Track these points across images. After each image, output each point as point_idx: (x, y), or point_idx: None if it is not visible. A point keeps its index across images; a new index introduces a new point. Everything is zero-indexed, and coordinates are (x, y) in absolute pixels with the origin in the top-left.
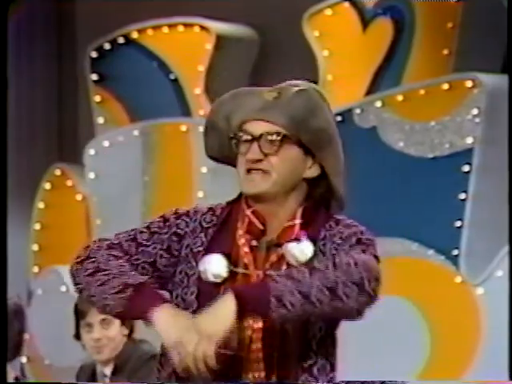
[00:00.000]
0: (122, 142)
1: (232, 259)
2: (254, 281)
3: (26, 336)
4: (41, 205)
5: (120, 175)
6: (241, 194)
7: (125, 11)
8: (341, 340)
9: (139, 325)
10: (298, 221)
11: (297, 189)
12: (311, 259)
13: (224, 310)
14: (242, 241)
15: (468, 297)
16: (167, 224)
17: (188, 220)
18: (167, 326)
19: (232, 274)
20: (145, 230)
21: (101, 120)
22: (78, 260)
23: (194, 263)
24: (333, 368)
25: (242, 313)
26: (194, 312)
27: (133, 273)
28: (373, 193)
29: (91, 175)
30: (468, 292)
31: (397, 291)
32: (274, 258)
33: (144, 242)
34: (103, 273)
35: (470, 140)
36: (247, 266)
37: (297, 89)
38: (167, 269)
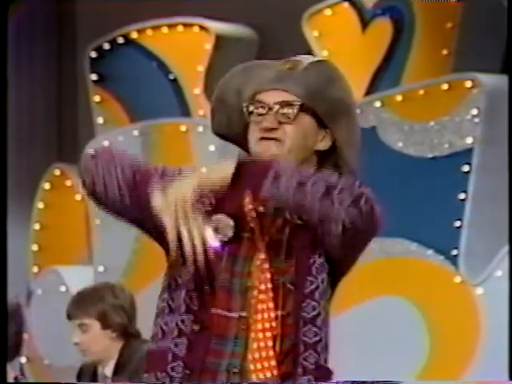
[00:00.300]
0: (122, 142)
1: (237, 222)
2: (259, 244)
3: (25, 336)
4: (40, 205)
5: None
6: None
7: (124, 11)
8: (340, 340)
9: (141, 325)
10: None
11: (307, 161)
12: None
13: (221, 166)
14: (249, 206)
15: (467, 297)
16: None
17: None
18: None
19: (237, 237)
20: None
21: (100, 120)
22: None
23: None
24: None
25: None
26: (199, 262)
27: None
28: (372, 193)
29: None
30: (467, 292)
31: (396, 291)
32: (279, 222)
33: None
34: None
35: (469, 140)
36: (254, 230)
37: (313, 59)
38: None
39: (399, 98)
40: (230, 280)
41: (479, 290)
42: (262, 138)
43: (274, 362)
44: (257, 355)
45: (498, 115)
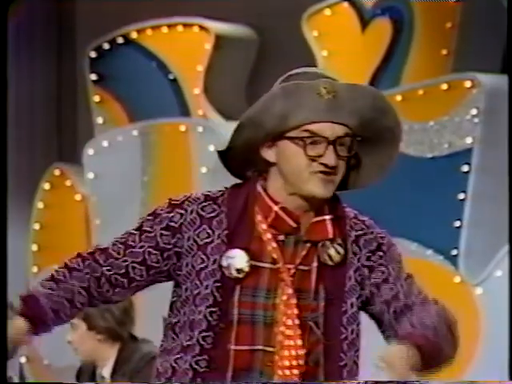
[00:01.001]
0: (121, 142)
1: (253, 253)
2: (285, 275)
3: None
4: (40, 205)
5: (119, 175)
6: (244, 184)
7: (124, 11)
8: None
9: (141, 325)
10: (327, 216)
11: None
12: (344, 259)
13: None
14: (267, 235)
15: (467, 297)
16: (157, 220)
17: (182, 212)
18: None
19: (254, 269)
20: (134, 232)
21: (100, 120)
22: None
23: (203, 256)
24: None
25: (251, 211)
26: (210, 307)
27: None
28: (371, 193)
29: (90, 175)
30: (467, 292)
31: None
32: (303, 252)
33: (132, 244)
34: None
35: (469, 140)
36: (276, 260)
37: (354, 85)
38: (161, 264)
39: (399, 97)
40: (252, 313)
41: (479, 290)
42: (321, 172)
43: None
44: None
45: (497, 115)
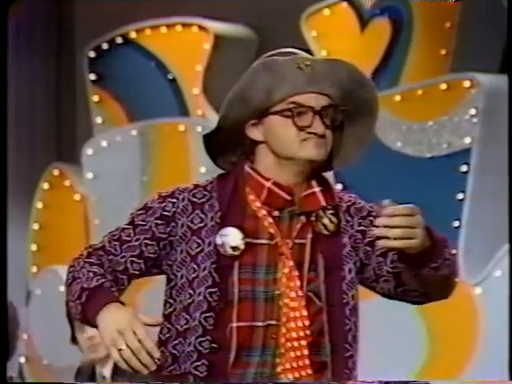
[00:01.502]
0: (120, 142)
1: (249, 231)
2: (284, 249)
3: (24, 337)
4: (39, 205)
5: (118, 175)
6: (232, 170)
7: (123, 11)
8: None
9: None
10: (317, 188)
11: None
12: (338, 227)
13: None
14: (262, 212)
15: (466, 296)
16: (149, 212)
17: (175, 200)
18: (107, 322)
19: (250, 246)
20: (127, 227)
21: (99, 120)
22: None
23: (198, 240)
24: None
25: (242, 189)
26: (209, 287)
27: (95, 277)
28: (370, 193)
29: (89, 175)
30: (466, 292)
31: None
32: (298, 225)
33: (127, 239)
34: (75, 281)
35: (467, 140)
36: (273, 236)
37: (332, 59)
38: (158, 255)
39: (398, 97)
40: (253, 289)
41: (478, 290)
42: (305, 140)
43: (310, 371)
44: (294, 364)
45: (496, 115)
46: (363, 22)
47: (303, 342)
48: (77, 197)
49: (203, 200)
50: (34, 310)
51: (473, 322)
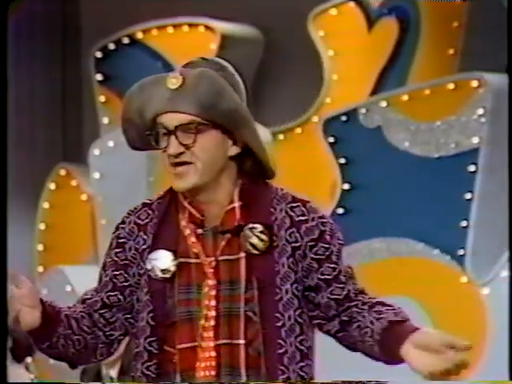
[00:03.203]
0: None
1: (180, 251)
2: (206, 268)
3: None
4: (46, 205)
5: (125, 175)
6: None
7: (129, 11)
8: None
9: None
10: (236, 203)
11: (225, 168)
12: (270, 246)
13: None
14: (187, 231)
15: (473, 297)
16: (110, 247)
17: (124, 225)
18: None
19: (183, 266)
20: (101, 272)
21: (105, 120)
22: None
23: (141, 263)
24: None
25: (171, 209)
26: (150, 312)
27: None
28: (378, 193)
29: (96, 175)
30: (473, 292)
31: (402, 291)
32: (222, 243)
33: (103, 279)
34: None
35: (475, 140)
36: (198, 255)
37: (197, 72)
38: (128, 281)
39: (405, 97)
40: (188, 310)
41: (485, 290)
42: (174, 164)
43: None
44: None
45: (504, 115)
46: (370, 21)
47: (211, 363)
48: (83, 197)
49: (147, 220)
50: None
51: (480, 323)
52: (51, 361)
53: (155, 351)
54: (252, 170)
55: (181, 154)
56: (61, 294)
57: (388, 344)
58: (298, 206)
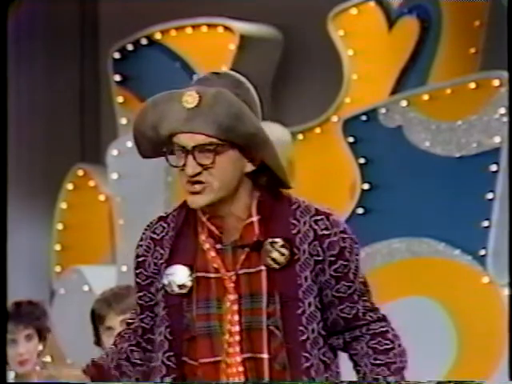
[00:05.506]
0: None
1: (198, 265)
2: (226, 282)
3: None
4: (63, 205)
5: (143, 175)
6: None
7: (148, 12)
8: None
9: None
10: (255, 218)
11: (242, 184)
12: (291, 259)
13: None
14: (206, 246)
15: (495, 297)
16: (135, 266)
17: (141, 243)
18: None
19: (201, 281)
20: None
21: (124, 121)
22: None
23: (161, 277)
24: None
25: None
26: (168, 327)
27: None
28: (399, 193)
29: (114, 176)
30: (495, 292)
31: (423, 291)
32: (242, 257)
33: (137, 303)
34: None
35: (497, 139)
36: (218, 269)
37: (214, 92)
38: (153, 300)
39: (426, 97)
40: (208, 325)
41: (507, 291)
42: (190, 182)
43: None
44: None
45: None
46: (391, 21)
47: (239, 379)
48: (101, 197)
49: (162, 234)
50: (58, 310)
51: (502, 323)
52: (69, 360)
53: (173, 366)
54: (268, 183)
55: (198, 174)
56: (78, 294)
57: None
58: (321, 219)
